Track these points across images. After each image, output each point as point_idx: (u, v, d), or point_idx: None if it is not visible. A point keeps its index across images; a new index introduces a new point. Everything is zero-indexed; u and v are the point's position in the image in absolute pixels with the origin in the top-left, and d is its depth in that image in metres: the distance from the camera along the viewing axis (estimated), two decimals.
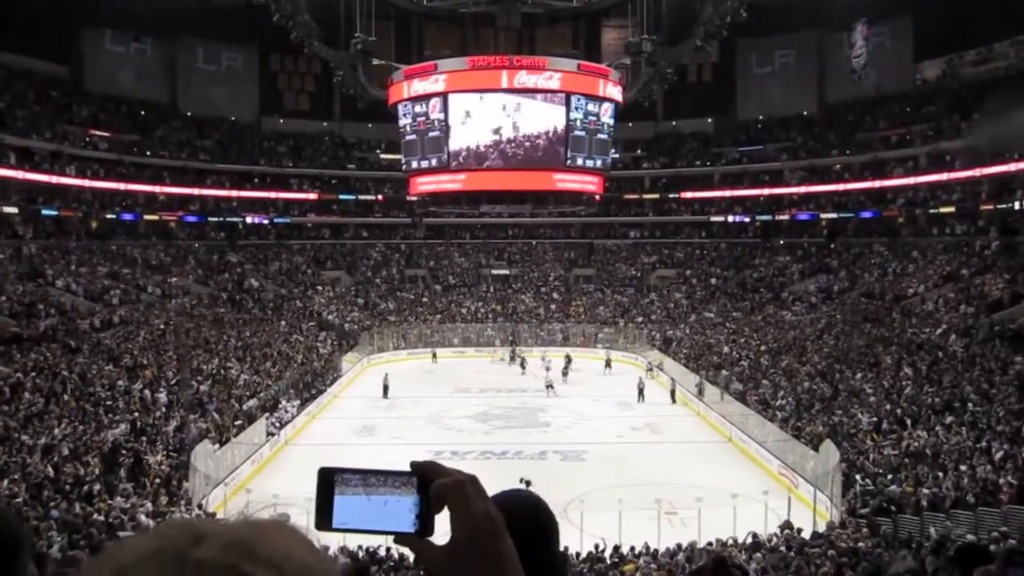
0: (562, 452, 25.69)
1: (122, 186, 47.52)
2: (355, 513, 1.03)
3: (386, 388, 34.17)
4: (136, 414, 22.99)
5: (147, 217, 49.06)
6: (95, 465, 18.73)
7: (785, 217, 52.48)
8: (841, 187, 49.90)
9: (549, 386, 34.53)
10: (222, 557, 0.64)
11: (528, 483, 16.59)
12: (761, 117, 57.09)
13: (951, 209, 42.93)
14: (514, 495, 1.76)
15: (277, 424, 27.43)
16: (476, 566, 0.96)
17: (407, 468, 1.06)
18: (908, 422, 22.89)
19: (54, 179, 42.74)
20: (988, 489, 17.26)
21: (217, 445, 22.67)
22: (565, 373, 37.49)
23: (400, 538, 1.03)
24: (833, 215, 50.19)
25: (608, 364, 40.12)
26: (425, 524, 1.03)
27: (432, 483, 1.01)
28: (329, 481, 1.04)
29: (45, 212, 42.04)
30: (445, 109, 29.22)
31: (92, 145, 46.90)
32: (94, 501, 16.78)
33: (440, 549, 0.98)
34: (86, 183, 44.97)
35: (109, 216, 46.71)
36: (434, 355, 43.64)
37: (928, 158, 45.34)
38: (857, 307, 37.29)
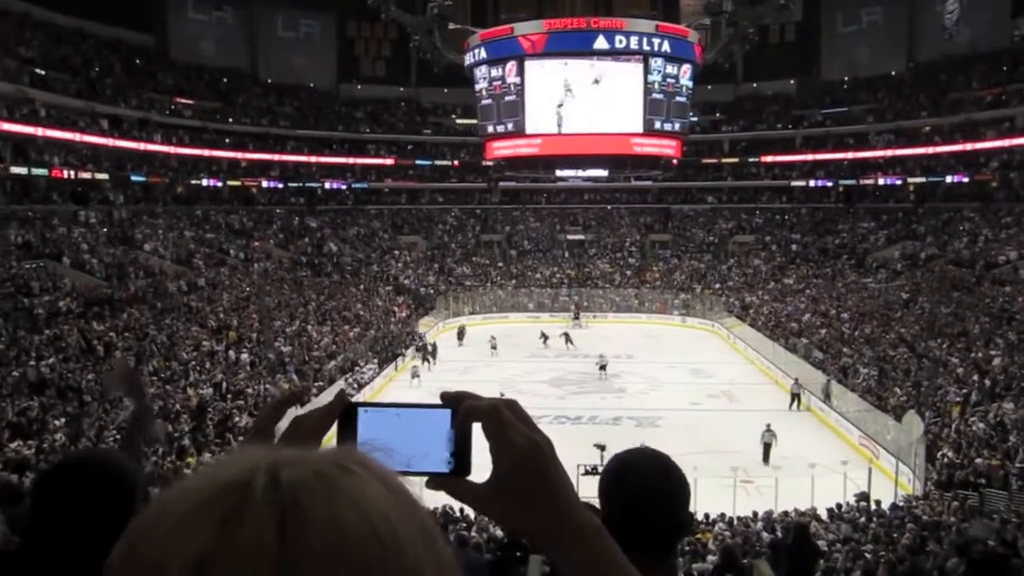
0: (636, 418, 25.56)
1: (206, 152, 48.79)
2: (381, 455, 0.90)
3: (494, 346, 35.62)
4: (222, 375, 23.77)
5: (230, 183, 50.25)
6: (184, 422, 19.47)
7: (870, 182, 50.84)
8: (930, 150, 48.03)
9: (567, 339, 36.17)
10: (312, 481, 0.56)
11: (603, 448, 16.66)
12: (846, 78, 55.24)
13: None
14: (637, 451, 1.73)
15: (355, 385, 28.00)
16: (525, 502, 0.83)
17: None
18: (998, 393, 22.15)
19: (142, 146, 43.97)
20: None
21: (298, 405, 23.23)
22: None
23: (433, 480, 0.88)
24: (921, 179, 48.37)
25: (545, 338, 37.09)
26: (461, 462, 0.88)
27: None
28: (351, 416, 0.92)
29: (134, 178, 43.28)
30: (521, 73, 29.04)
31: (177, 113, 48.09)
32: (184, 456, 17.48)
33: (481, 487, 0.85)
34: (172, 150, 46.26)
35: (194, 182, 47.99)
36: (460, 333, 39.32)
37: None
38: (944, 275, 36.05)
